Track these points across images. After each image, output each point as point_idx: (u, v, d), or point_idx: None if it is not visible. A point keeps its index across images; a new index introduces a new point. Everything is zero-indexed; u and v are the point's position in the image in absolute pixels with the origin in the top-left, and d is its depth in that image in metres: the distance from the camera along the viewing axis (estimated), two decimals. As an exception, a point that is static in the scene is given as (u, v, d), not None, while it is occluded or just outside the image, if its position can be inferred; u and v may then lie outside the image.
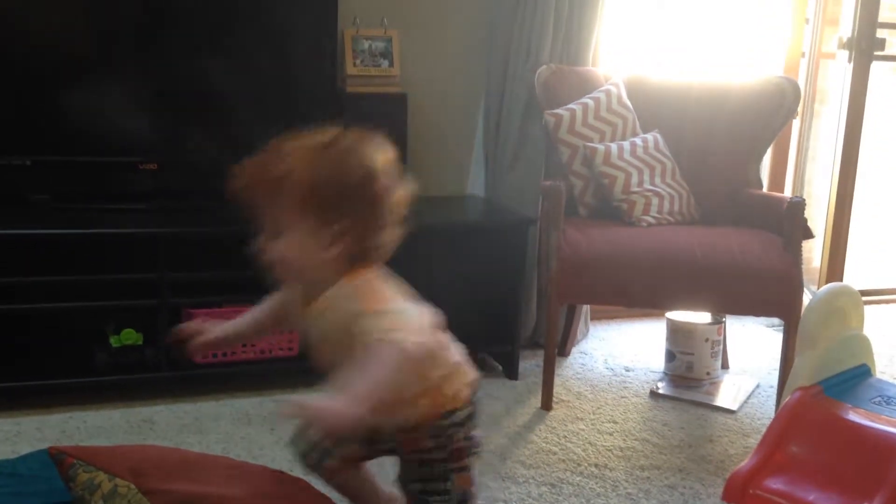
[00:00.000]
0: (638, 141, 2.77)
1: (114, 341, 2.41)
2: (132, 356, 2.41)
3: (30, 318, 2.43)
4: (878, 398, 1.80)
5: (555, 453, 2.25)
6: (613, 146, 2.71)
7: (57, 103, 2.51)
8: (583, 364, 2.92)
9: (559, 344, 2.92)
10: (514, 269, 2.77)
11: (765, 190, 2.98)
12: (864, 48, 3.32)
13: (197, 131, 2.68)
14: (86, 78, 2.54)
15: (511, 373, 2.77)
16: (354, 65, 2.79)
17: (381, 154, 1.38)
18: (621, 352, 3.05)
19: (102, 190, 2.64)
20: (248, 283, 2.52)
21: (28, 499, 1.52)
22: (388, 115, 2.83)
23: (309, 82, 2.74)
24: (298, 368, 2.61)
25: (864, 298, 2.00)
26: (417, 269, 2.88)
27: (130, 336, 2.42)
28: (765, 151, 2.90)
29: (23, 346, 2.50)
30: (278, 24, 2.68)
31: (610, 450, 2.28)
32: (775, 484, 1.61)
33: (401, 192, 1.39)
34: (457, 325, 2.85)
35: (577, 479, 2.12)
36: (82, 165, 2.58)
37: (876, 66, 3.39)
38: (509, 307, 2.79)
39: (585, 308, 3.11)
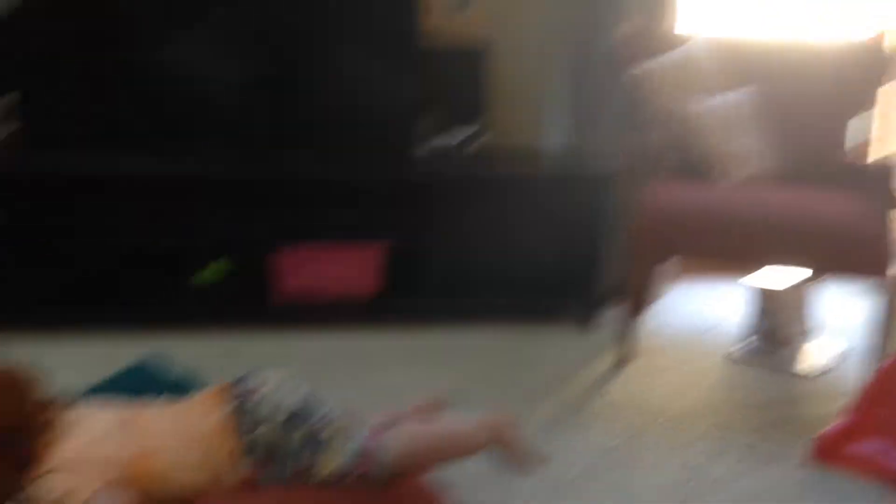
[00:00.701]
0: (726, 98, 2.69)
1: (202, 275, 2.47)
2: (219, 290, 2.46)
3: (127, 249, 2.50)
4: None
5: (631, 407, 2.24)
6: (701, 102, 2.64)
7: (156, 39, 2.53)
8: (662, 320, 2.89)
9: (639, 299, 2.88)
10: (596, 221, 2.74)
11: (857, 152, 2.88)
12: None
13: (280, 73, 2.69)
14: (175, 18, 2.56)
15: (588, 325, 2.76)
16: (436, 15, 2.76)
17: None
18: (704, 310, 3.00)
19: (192, 128, 2.67)
20: (333, 225, 2.59)
21: (156, 386, 1.67)
22: (470, 65, 2.81)
23: (390, 33, 2.72)
24: (375, 307, 2.66)
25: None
26: (499, 218, 2.90)
27: (217, 271, 2.48)
28: (857, 113, 2.81)
29: (121, 275, 2.58)
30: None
31: (687, 407, 2.26)
32: (867, 447, 1.58)
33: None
34: (536, 275, 2.87)
35: (654, 433, 2.10)
36: (172, 104, 2.62)
37: None
38: (590, 259, 2.77)
39: (668, 264, 3.06)
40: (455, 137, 2.84)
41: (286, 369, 1.54)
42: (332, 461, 1.43)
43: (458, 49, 2.78)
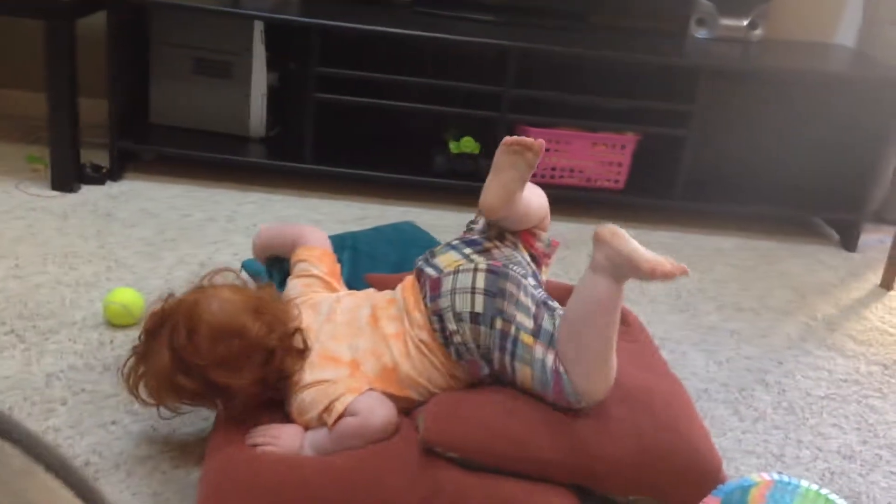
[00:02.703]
0: None
1: (452, 147, 2.50)
2: (468, 164, 2.50)
3: (381, 114, 2.58)
4: None
5: (891, 335, 2.06)
6: None
7: None
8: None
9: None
10: (876, 131, 2.48)
11: None
12: None
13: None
14: None
15: (849, 244, 2.55)
16: None
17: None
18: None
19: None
20: (587, 108, 2.52)
21: (409, 248, 1.75)
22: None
23: None
24: (621, 202, 2.59)
25: None
26: (766, 116, 2.70)
27: (469, 144, 2.50)
28: None
29: (374, 138, 2.69)
30: None
31: (956, 346, 2.05)
32: None
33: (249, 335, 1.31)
34: (797, 183, 2.67)
35: (913, 368, 1.93)
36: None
37: None
38: (862, 173, 2.53)
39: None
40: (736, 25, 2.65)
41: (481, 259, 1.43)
42: (527, 376, 1.33)
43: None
